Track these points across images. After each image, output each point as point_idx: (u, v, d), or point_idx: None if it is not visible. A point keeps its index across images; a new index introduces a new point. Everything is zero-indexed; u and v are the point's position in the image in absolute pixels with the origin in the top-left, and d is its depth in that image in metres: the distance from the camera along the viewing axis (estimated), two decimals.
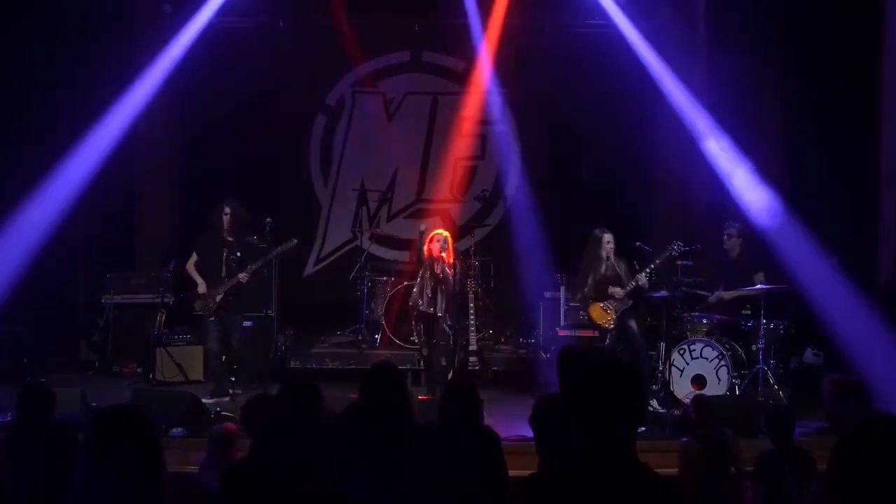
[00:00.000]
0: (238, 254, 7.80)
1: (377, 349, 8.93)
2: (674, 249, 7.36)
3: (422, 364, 8.19)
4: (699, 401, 5.25)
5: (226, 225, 7.81)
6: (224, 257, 7.80)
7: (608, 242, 7.55)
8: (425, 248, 7.68)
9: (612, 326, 7.53)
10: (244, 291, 7.86)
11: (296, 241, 7.74)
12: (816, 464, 4.36)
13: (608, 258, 7.57)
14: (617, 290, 7.49)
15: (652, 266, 7.45)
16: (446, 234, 7.79)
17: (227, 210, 7.81)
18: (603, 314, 7.54)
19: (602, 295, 7.55)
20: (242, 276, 7.69)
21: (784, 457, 4.13)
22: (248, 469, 3.69)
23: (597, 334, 7.74)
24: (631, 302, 7.55)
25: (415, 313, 7.73)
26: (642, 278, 7.43)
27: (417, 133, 10.78)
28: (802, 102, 9.20)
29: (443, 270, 7.58)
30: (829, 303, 7.95)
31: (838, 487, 2.12)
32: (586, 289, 7.62)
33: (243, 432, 4.45)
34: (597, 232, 7.67)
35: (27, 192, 8.78)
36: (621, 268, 7.60)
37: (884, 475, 2.07)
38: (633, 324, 7.56)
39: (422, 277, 7.66)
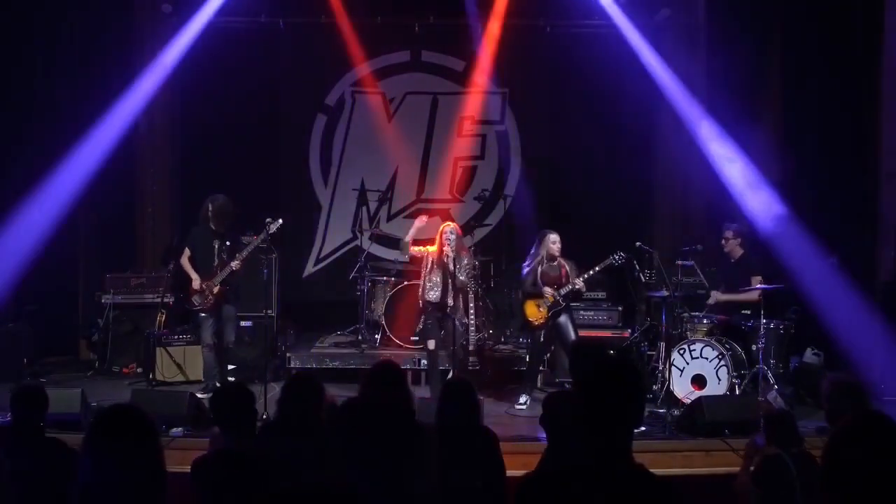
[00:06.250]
0: (228, 244, 7.83)
1: (377, 349, 8.92)
2: (614, 259, 7.38)
3: (422, 363, 8.21)
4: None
5: (212, 217, 7.82)
6: (216, 249, 7.82)
7: (553, 242, 7.54)
8: (437, 248, 7.63)
9: (541, 324, 7.53)
10: (239, 281, 7.89)
11: (281, 220, 7.65)
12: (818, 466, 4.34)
13: (552, 258, 7.55)
14: (548, 290, 7.48)
15: (591, 272, 7.45)
16: (451, 224, 7.78)
17: (211, 205, 7.83)
18: (536, 312, 7.54)
19: (540, 293, 7.53)
20: (235, 264, 7.69)
21: (789, 462, 4.11)
22: (217, 461, 3.67)
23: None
24: (564, 304, 7.53)
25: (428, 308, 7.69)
26: (579, 283, 7.44)
27: (417, 133, 10.78)
28: (802, 102, 9.20)
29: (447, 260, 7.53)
30: (829, 303, 7.96)
31: (832, 484, 2.13)
32: (526, 285, 7.63)
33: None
34: (543, 231, 7.68)
35: (28, 191, 8.79)
36: (566, 269, 7.55)
37: (876, 472, 2.07)
38: (563, 319, 7.56)
39: (430, 272, 7.63)
